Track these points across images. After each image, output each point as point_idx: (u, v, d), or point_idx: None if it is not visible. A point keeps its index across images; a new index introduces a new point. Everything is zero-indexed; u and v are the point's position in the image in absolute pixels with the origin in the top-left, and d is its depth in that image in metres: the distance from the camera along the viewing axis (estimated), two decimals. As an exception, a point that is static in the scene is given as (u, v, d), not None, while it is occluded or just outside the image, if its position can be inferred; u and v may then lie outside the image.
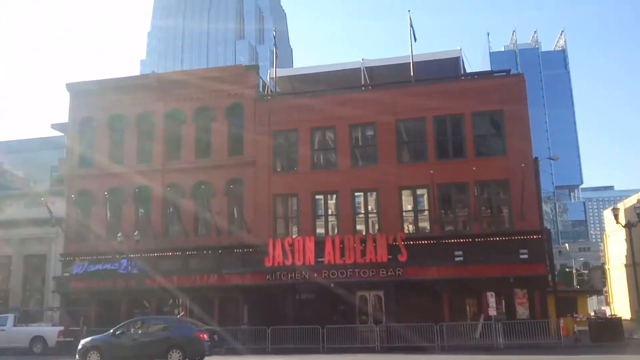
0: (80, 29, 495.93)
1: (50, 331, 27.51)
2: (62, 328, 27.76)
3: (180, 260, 31.17)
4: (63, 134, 37.69)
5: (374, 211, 30.47)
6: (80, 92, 35.47)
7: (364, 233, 29.69)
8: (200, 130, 33.32)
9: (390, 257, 27.89)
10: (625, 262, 47.52)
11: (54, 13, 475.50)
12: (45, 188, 37.85)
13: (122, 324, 21.96)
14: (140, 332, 20.67)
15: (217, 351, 21.08)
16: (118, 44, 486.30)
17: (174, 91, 33.78)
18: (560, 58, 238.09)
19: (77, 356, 20.43)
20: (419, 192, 30.26)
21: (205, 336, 19.95)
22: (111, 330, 20.98)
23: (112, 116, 34.55)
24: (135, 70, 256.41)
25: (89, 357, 20.23)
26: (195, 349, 19.83)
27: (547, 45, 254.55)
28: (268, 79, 38.15)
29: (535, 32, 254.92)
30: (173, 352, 19.59)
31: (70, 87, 35.91)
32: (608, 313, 32.17)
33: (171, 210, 32.39)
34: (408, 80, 32.31)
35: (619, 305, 50.20)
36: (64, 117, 36.80)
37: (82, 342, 20.87)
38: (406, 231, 29.29)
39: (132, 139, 34.02)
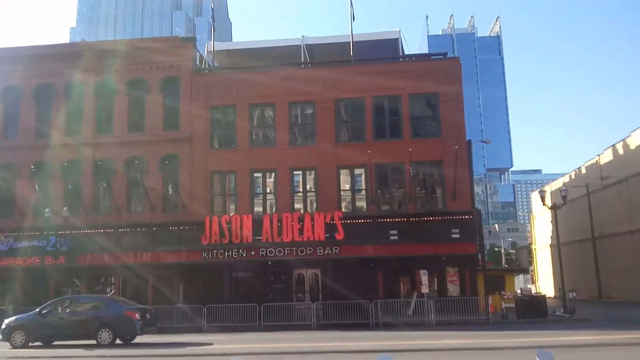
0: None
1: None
2: (-16, 307, 26.35)
3: (113, 237, 30.12)
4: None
5: (312, 190, 30.49)
6: (3, 60, 33.33)
7: (302, 211, 29.70)
8: (134, 103, 32.12)
9: (327, 235, 28.08)
10: (550, 243, 50.06)
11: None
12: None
13: (49, 302, 21.14)
14: (68, 311, 20.04)
15: (150, 330, 20.74)
16: (46, 10, 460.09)
17: (106, 61, 32.28)
18: (495, 44, 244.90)
19: (0, 336, 19.51)
20: (356, 171, 30.48)
21: (137, 315, 19.58)
22: (37, 309, 20.17)
23: (38, 85, 32.73)
24: (64, 39, 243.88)
25: (14, 337, 19.48)
26: (126, 328, 19.47)
27: (483, 30, 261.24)
28: (206, 53, 37.20)
29: (472, 17, 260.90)
30: (103, 332, 19.19)
31: (-8, 53, 33.64)
32: (533, 291, 33.74)
33: (103, 185, 31.19)
34: (348, 60, 32.30)
35: (544, 284, 53.09)
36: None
37: (6, 321, 20.03)
38: (344, 210, 29.51)
39: (60, 110, 32.33)
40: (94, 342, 19.11)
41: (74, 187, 31.16)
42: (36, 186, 30.70)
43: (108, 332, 19.17)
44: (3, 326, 19.76)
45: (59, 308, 20.19)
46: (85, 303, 20.77)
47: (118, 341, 19.60)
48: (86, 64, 32.34)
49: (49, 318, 19.76)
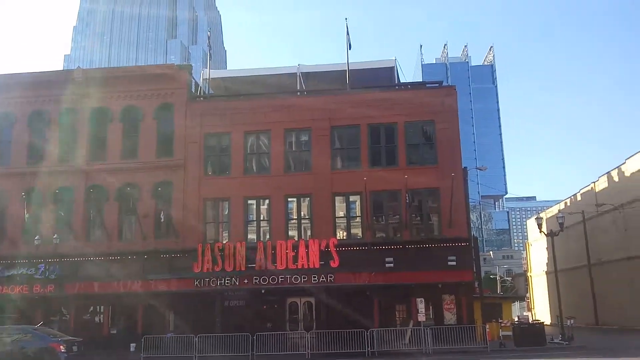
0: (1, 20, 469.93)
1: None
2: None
3: (103, 265, 29.49)
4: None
5: (307, 217, 30.21)
6: (-2, 86, 33.22)
7: (296, 239, 29.35)
8: (128, 130, 31.97)
9: (322, 263, 27.73)
10: (546, 270, 49.63)
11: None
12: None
13: None
14: None
15: None
16: (41, 37, 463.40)
17: (101, 88, 32.19)
18: (488, 72, 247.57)
19: None
20: (351, 198, 30.27)
21: (62, 347, 19.54)
22: None
23: (33, 112, 32.57)
24: (59, 66, 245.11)
25: None
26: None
27: (477, 59, 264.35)
28: (201, 80, 37.31)
29: (465, 46, 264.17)
30: None
31: (-14, 79, 33.56)
32: (530, 318, 33.33)
33: (94, 213, 30.80)
34: (343, 88, 32.38)
35: (540, 311, 52.52)
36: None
37: None
38: (338, 237, 29.21)
39: (53, 137, 32.11)
40: None
41: (65, 214, 30.77)
42: (26, 213, 30.28)
43: None
44: None
45: None
46: (11, 334, 20.55)
47: None
48: (80, 90, 32.24)
49: None
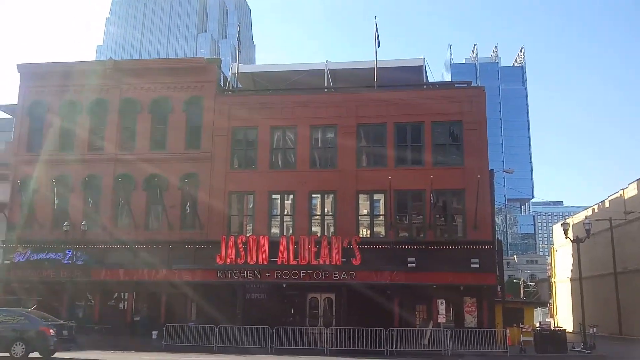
0: (36, 11, 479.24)
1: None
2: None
3: (129, 253, 30.10)
4: (11, 117, 36.06)
5: (330, 213, 30.31)
6: (31, 75, 34.07)
7: (319, 235, 29.49)
8: (157, 122, 32.47)
9: (344, 260, 27.76)
10: (570, 276, 48.86)
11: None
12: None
13: None
14: None
15: (68, 347, 20.97)
16: (75, 29, 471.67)
17: (131, 80, 32.79)
18: (518, 74, 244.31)
19: None
20: (375, 197, 30.26)
21: (52, 331, 19.83)
22: None
23: (64, 101, 33.30)
24: (91, 57, 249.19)
25: None
26: (40, 343, 19.74)
27: (507, 60, 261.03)
28: (230, 74, 37.59)
29: (495, 46, 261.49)
30: (16, 345, 19.51)
31: (21, 68, 34.45)
32: (552, 325, 32.90)
33: (122, 201, 31.37)
34: (371, 85, 32.35)
35: (563, 318, 51.78)
36: (13, 99, 35.20)
37: None
38: (361, 235, 29.24)
39: (84, 126, 32.82)
40: (7, 355, 19.37)
41: (93, 202, 31.39)
42: (55, 199, 30.98)
43: (22, 345, 19.52)
44: None
45: None
46: (3, 316, 20.85)
47: (36, 355, 19.90)
48: (111, 81, 32.88)
49: None
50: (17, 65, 34.38)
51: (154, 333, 27.47)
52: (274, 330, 25.29)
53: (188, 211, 29.99)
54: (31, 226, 31.64)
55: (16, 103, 34.33)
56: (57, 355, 20.67)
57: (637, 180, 41.47)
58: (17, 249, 31.07)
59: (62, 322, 21.77)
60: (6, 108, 36.52)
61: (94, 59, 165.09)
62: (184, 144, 31.85)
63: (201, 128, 31.83)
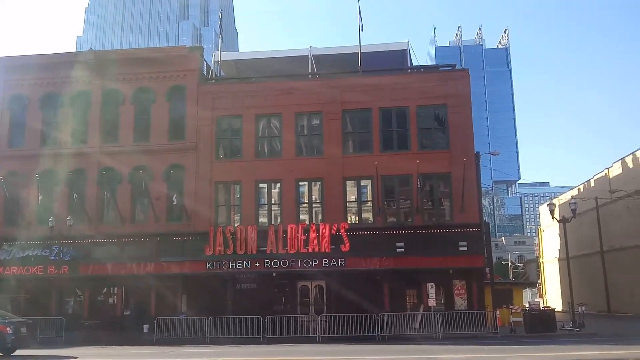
0: (13, 2, 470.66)
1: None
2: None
3: (116, 247, 29.91)
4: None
5: (318, 201, 30.23)
6: (10, 68, 33.39)
7: (307, 223, 29.41)
8: (140, 112, 32.06)
9: (333, 247, 27.77)
10: (558, 256, 49.37)
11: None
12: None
13: None
14: None
15: (26, 344, 20.66)
16: (53, 18, 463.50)
17: (113, 70, 32.28)
18: (503, 56, 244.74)
19: None
20: (363, 182, 30.21)
21: (8, 329, 19.51)
22: None
23: (45, 94, 32.73)
24: (71, 48, 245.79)
25: None
26: None
27: (491, 42, 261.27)
28: (213, 63, 37.22)
29: (479, 28, 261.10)
30: None
31: (-1, 61, 33.72)
32: (541, 305, 33.24)
33: (107, 195, 31.02)
34: (355, 71, 32.16)
35: (552, 297, 52.37)
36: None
37: None
38: (349, 222, 29.22)
39: (66, 119, 32.31)
40: None
41: (78, 196, 31.04)
42: (39, 195, 30.56)
43: None
44: None
45: None
46: None
47: None
48: (92, 72, 32.34)
49: None
50: (-5, 59, 33.67)
51: (145, 327, 27.33)
52: (266, 320, 25.27)
53: (175, 203, 29.72)
54: (16, 223, 31.21)
55: (-5, 98, 33.63)
56: (20, 352, 20.35)
57: (621, 159, 41.84)
58: (2, 247, 30.66)
59: (20, 319, 21.49)
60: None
61: (74, 50, 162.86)
62: (168, 134, 31.50)
63: (185, 118, 31.49)
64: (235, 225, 29.46)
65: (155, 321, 26.07)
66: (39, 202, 30.66)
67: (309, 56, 35.26)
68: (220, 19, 43.48)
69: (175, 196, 29.50)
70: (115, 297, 30.60)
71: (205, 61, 34.65)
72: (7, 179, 31.46)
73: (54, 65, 32.72)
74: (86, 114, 32.26)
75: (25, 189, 31.44)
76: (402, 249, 27.92)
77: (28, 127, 32.59)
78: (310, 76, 34.16)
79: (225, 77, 36.44)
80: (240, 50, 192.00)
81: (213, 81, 33.86)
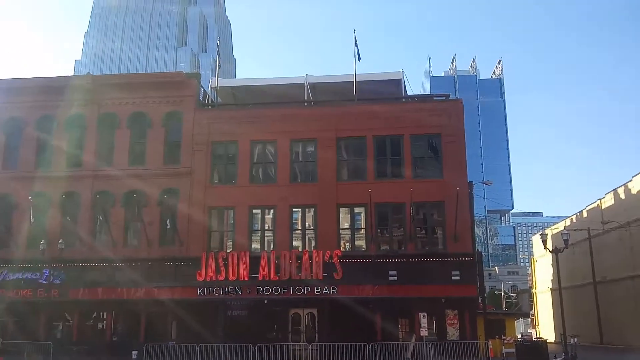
0: (12, 26, 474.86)
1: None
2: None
3: (108, 271, 29.66)
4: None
5: (312, 227, 30.22)
6: (7, 90, 33.53)
7: (300, 249, 29.36)
8: (136, 137, 32.17)
9: (325, 274, 27.67)
10: (551, 287, 49.22)
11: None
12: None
13: None
14: None
15: None
16: (52, 43, 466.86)
17: (110, 94, 32.49)
18: (497, 86, 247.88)
19: None
20: (356, 210, 30.26)
21: None
22: None
23: (41, 117, 32.81)
24: (69, 72, 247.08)
25: None
26: None
27: (485, 72, 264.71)
28: (210, 89, 37.51)
29: (474, 59, 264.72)
30: None
31: (-5, 84, 33.87)
32: (534, 336, 33.08)
33: (100, 218, 30.91)
34: (350, 99, 32.48)
35: (545, 328, 52.02)
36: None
37: None
38: (342, 249, 29.16)
39: (61, 142, 32.30)
40: None
41: (71, 219, 30.90)
42: (32, 217, 30.41)
43: None
44: None
45: None
46: None
47: None
48: (89, 96, 32.51)
49: None
50: (-8, 82, 33.83)
51: (134, 353, 26.97)
52: (256, 348, 25.02)
53: (168, 227, 29.67)
54: (8, 245, 31.01)
55: (-10, 119, 33.70)
56: None
57: (613, 190, 42.10)
58: (-7, 269, 30.35)
59: None
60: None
61: (72, 74, 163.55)
62: (163, 159, 31.57)
63: (180, 143, 31.60)
64: (228, 250, 29.35)
65: (144, 347, 25.75)
66: (31, 224, 30.50)
67: (305, 84, 35.59)
68: (218, 46, 44.21)
69: (168, 221, 29.44)
70: (105, 322, 30.26)
71: (202, 87, 34.95)
72: (1, 201, 31.30)
73: (51, 89, 32.89)
74: (82, 137, 32.31)
75: (17, 211, 31.32)
76: (395, 277, 27.87)
77: (22, 149, 32.60)
78: (305, 104, 34.45)
79: (222, 103, 36.72)
80: (237, 77, 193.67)
81: (209, 107, 34.11)
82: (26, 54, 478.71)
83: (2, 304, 29.75)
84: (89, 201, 31.08)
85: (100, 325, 30.49)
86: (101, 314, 30.49)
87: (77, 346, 28.60)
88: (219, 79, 36.42)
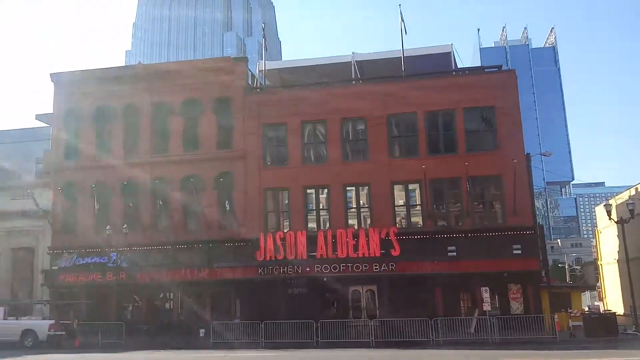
0: (64, 19, 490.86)
1: (41, 325, 26.78)
2: (53, 321, 27.00)
3: (170, 254, 30.63)
4: (48, 125, 36.93)
5: (366, 205, 30.19)
6: (64, 83, 34.70)
7: (356, 227, 29.41)
8: (189, 123, 32.79)
9: (383, 251, 27.63)
10: (617, 258, 47.57)
11: (38, 3, 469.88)
12: (31, 180, 37.21)
13: None
14: None
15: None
16: (103, 35, 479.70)
17: (161, 82, 33.17)
18: (550, 55, 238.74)
19: None
20: (411, 187, 30.01)
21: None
22: None
23: (98, 107, 33.87)
24: (120, 62, 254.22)
25: None
26: None
27: (537, 41, 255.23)
28: (257, 72, 37.76)
29: (525, 28, 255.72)
30: None
31: (54, 77, 35.13)
32: (602, 308, 32.11)
33: (160, 203, 31.87)
34: (399, 75, 32.01)
35: (612, 301, 50.27)
36: (49, 108, 36.02)
37: None
38: (398, 226, 29.03)
39: (118, 131, 33.37)
40: None
41: (133, 205, 32.00)
42: (96, 204, 31.68)
43: None
44: None
45: None
46: None
47: None
48: (142, 85, 33.31)
49: None
50: (50, 75, 35.09)
51: (201, 331, 27.84)
52: (319, 324, 25.33)
53: (228, 208, 30.33)
54: (75, 231, 32.44)
55: (52, 112, 35.14)
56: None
57: (682, 155, 39.97)
58: (63, 255, 31.90)
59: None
60: (43, 117, 37.44)
61: (123, 64, 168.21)
62: (216, 144, 32.12)
63: (232, 127, 32.04)
64: (285, 231, 29.73)
65: (211, 325, 26.56)
66: (96, 211, 31.79)
67: (352, 62, 35.29)
68: (264, 29, 44.21)
69: (227, 203, 30.07)
70: (172, 302, 31.38)
71: (250, 71, 35.22)
72: (65, 190, 32.74)
73: (106, 80, 33.82)
74: (137, 126, 33.21)
75: (82, 199, 32.64)
76: (454, 253, 27.58)
77: (83, 140, 33.74)
78: (353, 82, 34.22)
79: (270, 85, 36.95)
80: (283, 59, 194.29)
81: (258, 90, 34.38)
82: (76, 45, 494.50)
83: (76, 288, 31.27)
84: (148, 187, 32.00)
85: (167, 306, 31.62)
86: (168, 294, 31.56)
87: (146, 326, 29.72)
88: (265, 61, 36.60)
